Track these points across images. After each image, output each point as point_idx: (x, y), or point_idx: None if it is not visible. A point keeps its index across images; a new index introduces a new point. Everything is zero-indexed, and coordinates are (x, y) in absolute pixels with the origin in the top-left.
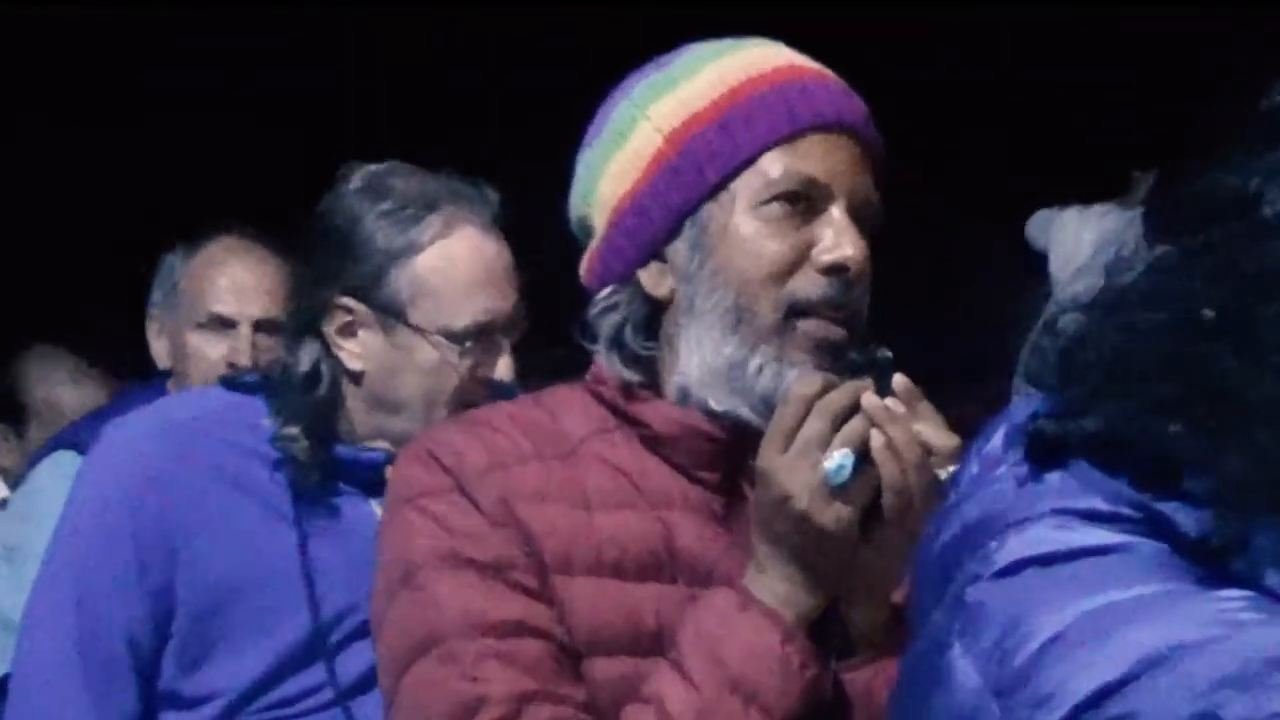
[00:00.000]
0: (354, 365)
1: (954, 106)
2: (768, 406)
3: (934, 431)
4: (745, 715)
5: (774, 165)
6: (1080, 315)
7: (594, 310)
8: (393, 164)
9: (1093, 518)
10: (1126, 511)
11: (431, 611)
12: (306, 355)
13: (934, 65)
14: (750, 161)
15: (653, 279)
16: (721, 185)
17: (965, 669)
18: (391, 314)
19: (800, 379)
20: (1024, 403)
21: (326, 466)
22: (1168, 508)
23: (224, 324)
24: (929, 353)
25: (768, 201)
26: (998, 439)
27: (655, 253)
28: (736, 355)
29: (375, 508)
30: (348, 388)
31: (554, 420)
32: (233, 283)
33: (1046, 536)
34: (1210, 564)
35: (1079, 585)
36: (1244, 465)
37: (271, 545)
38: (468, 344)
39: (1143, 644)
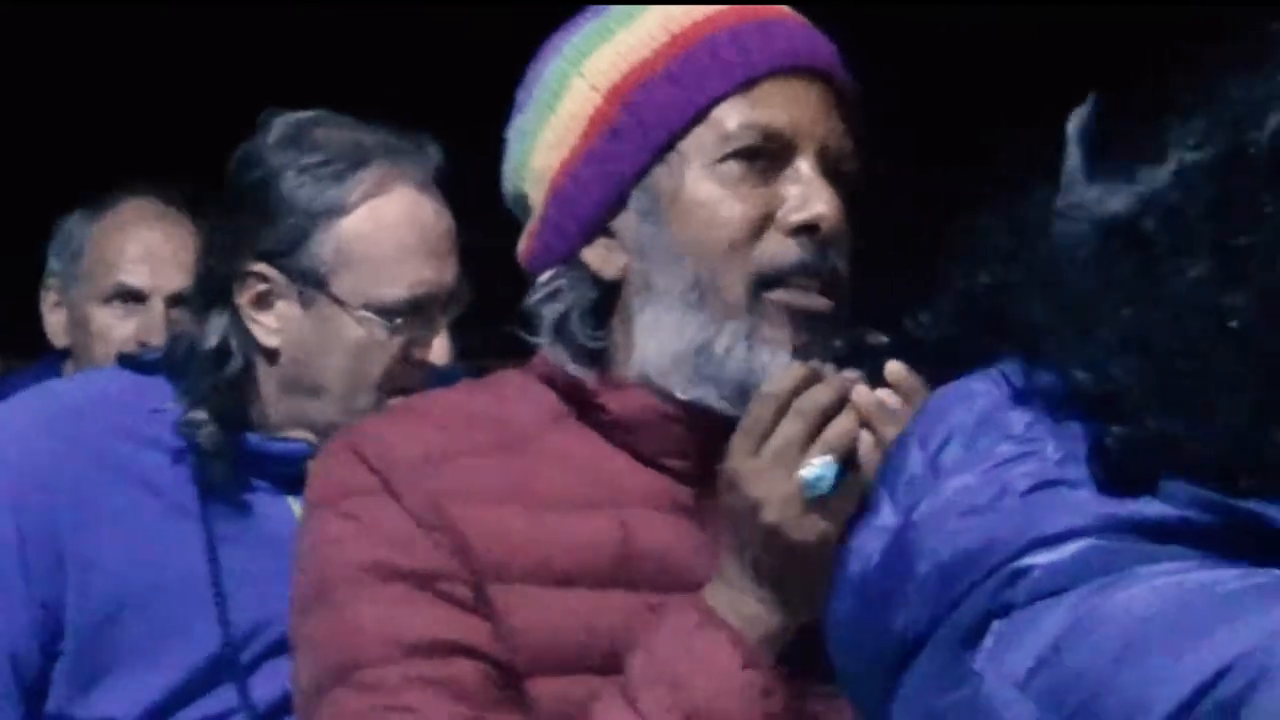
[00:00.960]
0: (269, 341)
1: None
2: (740, 393)
3: None
4: None
5: (728, 117)
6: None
7: (534, 297)
8: (319, 112)
9: (1159, 532)
10: (1203, 518)
11: (350, 632)
12: (214, 329)
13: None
14: (701, 115)
15: (600, 258)
16: (670, 145)
17: (1007, 697)
18: (312, 284)
19: (777, 370)
20: (986, 382)
21: (238, 458)
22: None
23: (133, 298)
24: (930, 336)
25: (724, 159)
26: (959, 431)
27: (601, 228)
28: (701, 336)
29: (294, 506)
30: (261, 367)
31: (499, 409)
32: (145, 251)
33: (1095, 556)
34: None
35: (1145, 594)
36: None
37: (175, 548)
38: (398, 320)
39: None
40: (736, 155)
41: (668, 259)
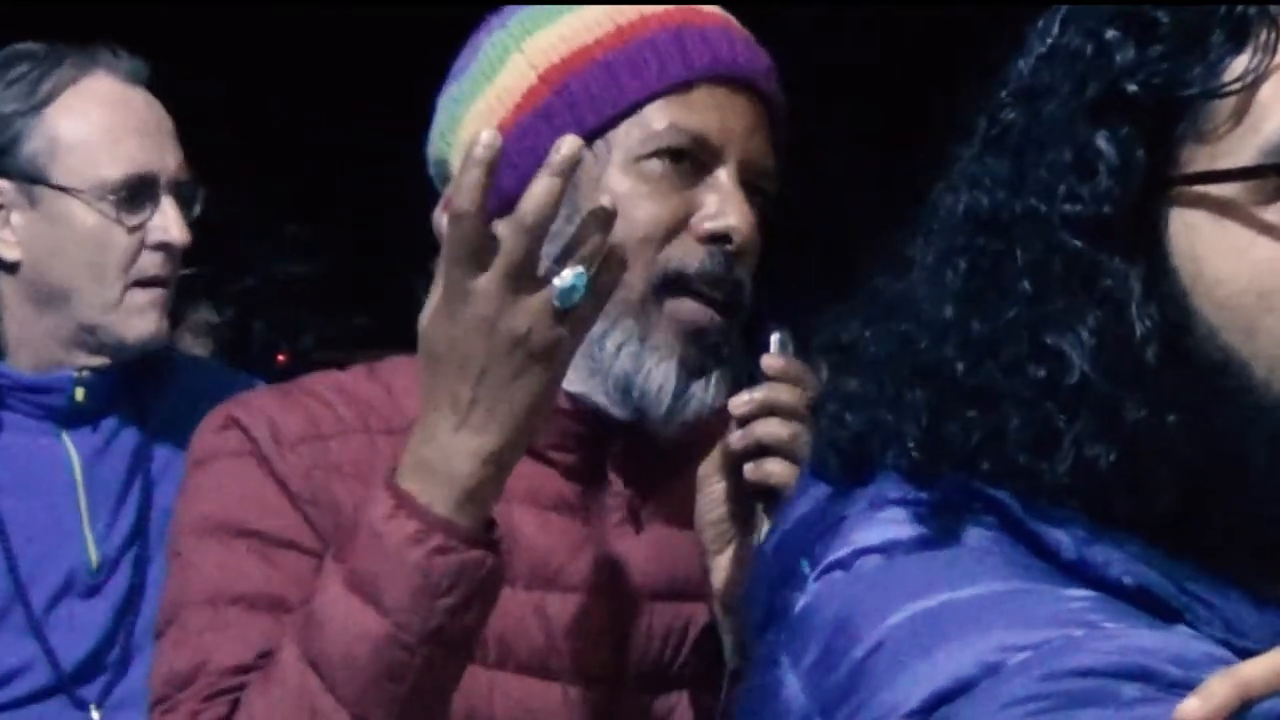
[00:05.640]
0: (9, 255)
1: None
2: (624, 394)
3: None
4: (362, 611)
5: (659, 116)
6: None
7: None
8: (21, 44)
9: (933, 506)
10: (964, 500)
11: (185, 579)
12: None
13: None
14: (633, 110)
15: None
16: (598, 133)
17: (793, 687)
18: (32, 179)
19: (661, 380)
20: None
21: (2, 395)
22: (1001, 495)
23: None
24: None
25: (648, 156)
26: None
27: (514, 204)
28: (596, 328)
29: (66, 441)
30: (7, 288)
31: (388, 393)
32: None
33: (885, 525)
34: (1052, 559)
35: (914, 583)
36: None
37: None
38: (123, 194)
39: (977, 650)
40: (660, 154)
41: (566, 225)
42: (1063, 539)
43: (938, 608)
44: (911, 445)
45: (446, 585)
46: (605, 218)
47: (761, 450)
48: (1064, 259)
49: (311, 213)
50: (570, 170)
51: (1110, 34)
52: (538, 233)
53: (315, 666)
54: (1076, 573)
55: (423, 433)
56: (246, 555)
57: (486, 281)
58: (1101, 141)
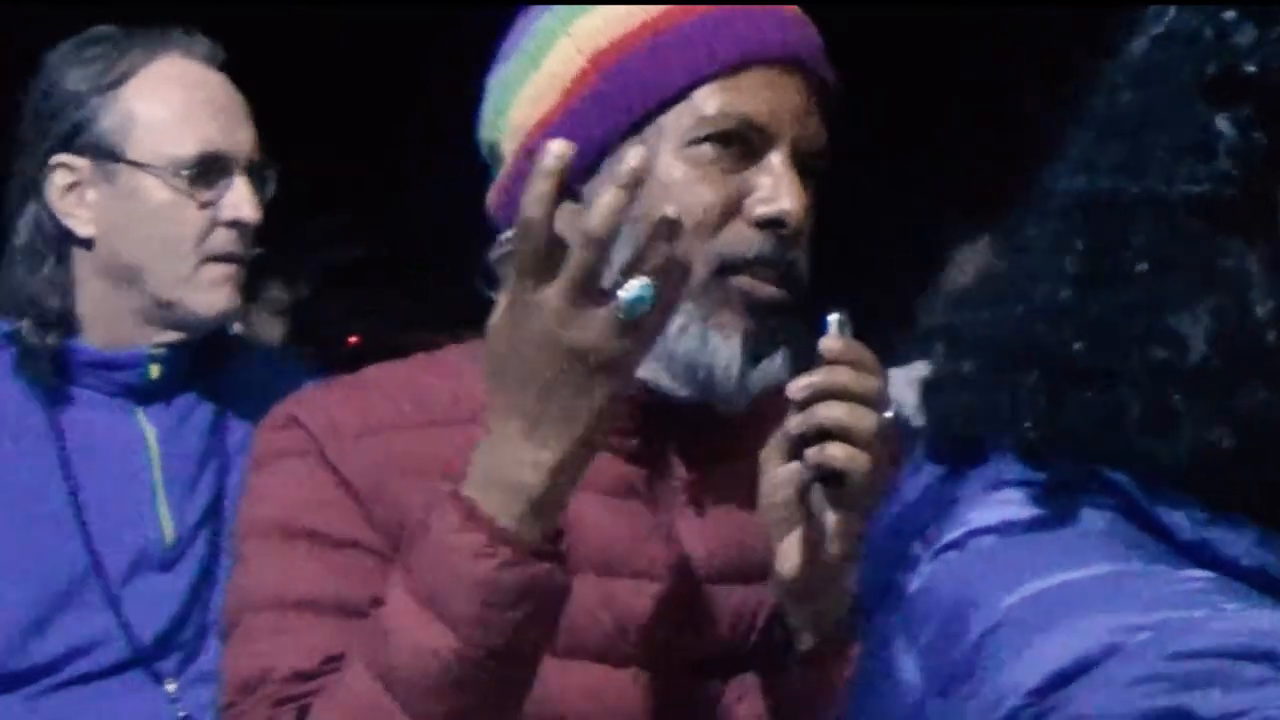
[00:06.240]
0: (85, 231)
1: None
2: (690, 375)
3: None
4: (429, 626)
5: (709, 101)
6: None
7: (497, 251)
8: (96, 27)
9: (1049, 488)
10: (1081, 481)
11: (246, 585)
12: (24, 228)
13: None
14: (682, 95)
15: (565, 222)
16: (648, 120)
17: (908, 668)
18: (107, 155)
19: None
20: None
21: (73, 371)
22: (1118, 476)
23: None
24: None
25: (699, 142)
26: None
27: (569, 191)
28: None
29: (141, 418)
30: (82, 264)
31: (450, 384)
32: None
33: (1001, 506)
34: (1169, 540)
35: (1031, 563)
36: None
37: (31, 473)
38: (196, 171)
39: (1097, 630)
40: (711, 139)
41: (631, 235)
42: (1181, 520)
43: (1057, 588)
44: (1028, 426)
45: (514, 599)
46: (671, 227)
47: (822, 434)
48: (1184, 241)
49: (381, 196)
50: (637, 183)
51: (1229, 15)
52: (603, 245)
53: (382, 679)
54: (1194, 554)
55: (489, 444)
56: (309, 558)
57: (552, 294)
58: (1221, 123)
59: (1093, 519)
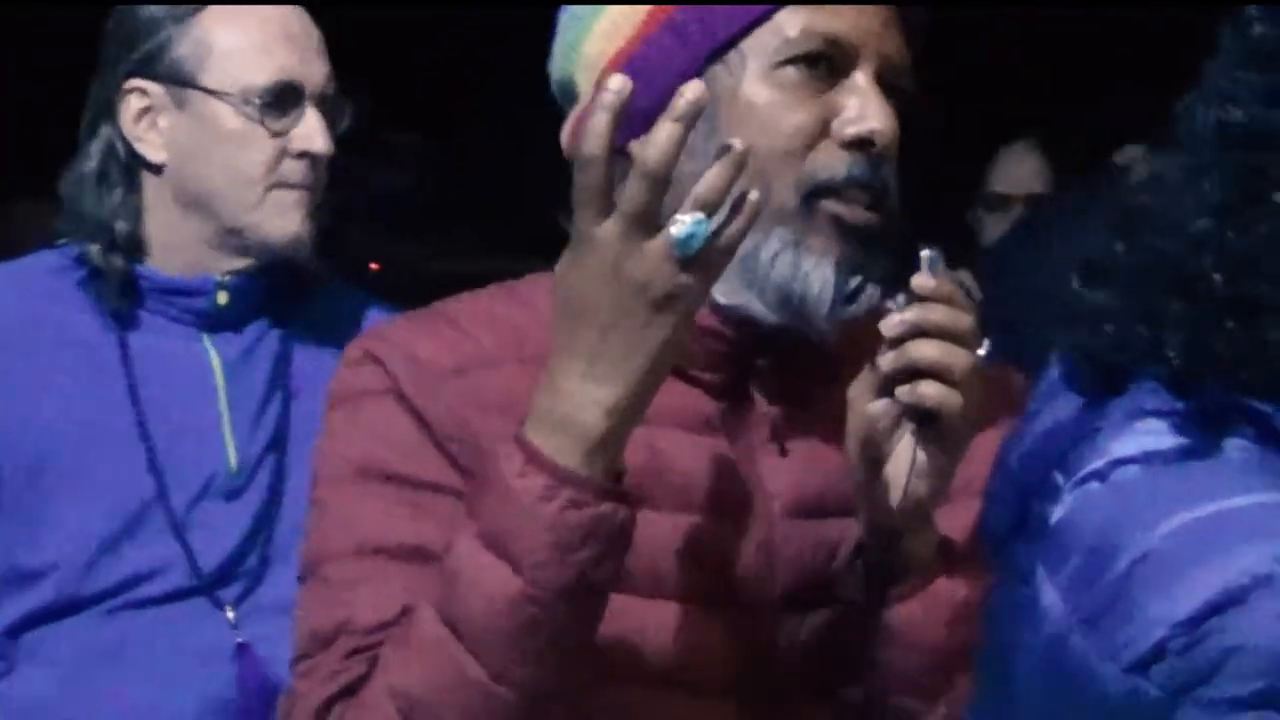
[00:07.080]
0: (156, 157)
1: None
2: (783, 301)
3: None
4: (496, 569)
5: (792, 22)
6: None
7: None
8: None
9: (1192, 417)
10: (1224, 410)
11: (324, 531)
12: (94, 152)
13: None
14: (765, 17)
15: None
16: (730, 44)
17: (1050, 597)
18: (181, 82)
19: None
20: None
21: (142, 295)
22: (1262, 406)
23: None
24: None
25: (784, 64)
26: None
27: (651, 121)
28: (749, 242)
29: (208, 344)
30: (152, 189)
31: (534, 315)
32: None
33: (1143, 436)
34: None
35: (1180, 493)
36: None
37: (100, 397)
38: (269, 100)
39: (1250, 559)
40: (796, 61)
41: (704, 166)
42: None
43: (1208, 518)
44: (1172, 356)
45: (579, 540)
46: (736, 160)
47: (914, 372)
48: None
49: (417, 124)
50: (694, 117)
51: None
52: (660, 179)
53: (451, 624)
54: None
55: (549, 384)
56: (388, 502)
57: (609, 228)
58: None
59: (1236, 448)
